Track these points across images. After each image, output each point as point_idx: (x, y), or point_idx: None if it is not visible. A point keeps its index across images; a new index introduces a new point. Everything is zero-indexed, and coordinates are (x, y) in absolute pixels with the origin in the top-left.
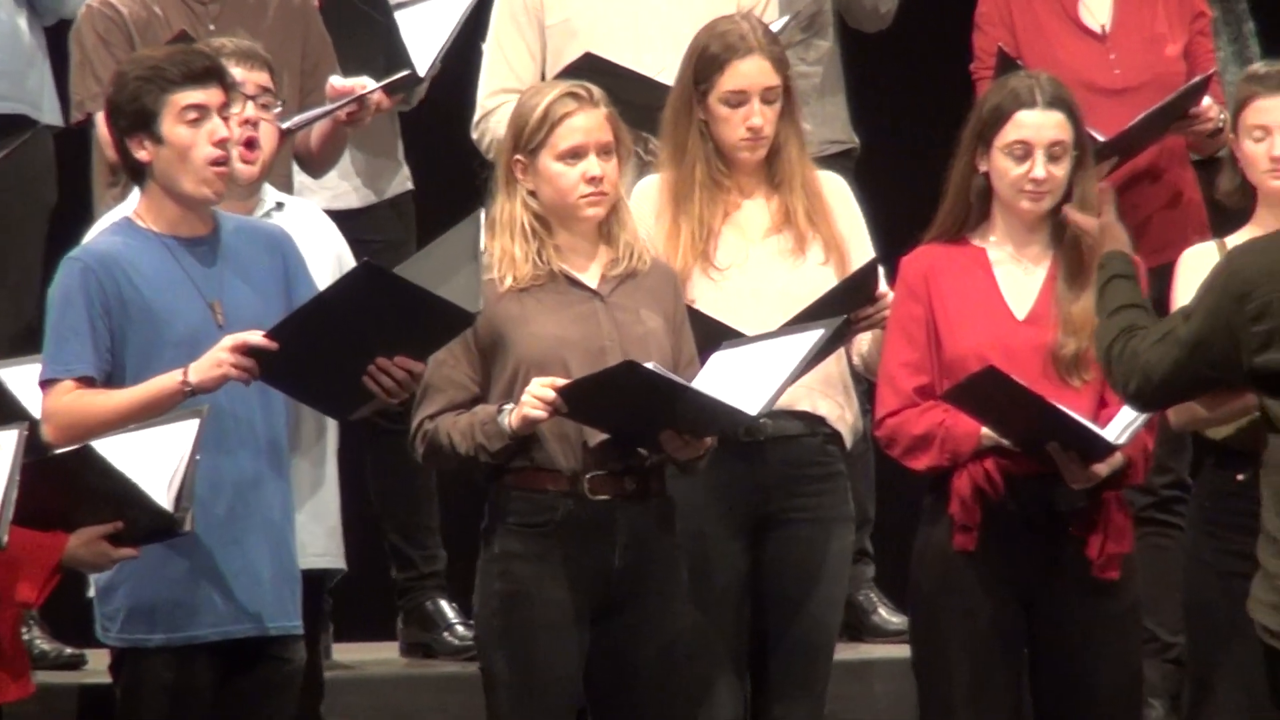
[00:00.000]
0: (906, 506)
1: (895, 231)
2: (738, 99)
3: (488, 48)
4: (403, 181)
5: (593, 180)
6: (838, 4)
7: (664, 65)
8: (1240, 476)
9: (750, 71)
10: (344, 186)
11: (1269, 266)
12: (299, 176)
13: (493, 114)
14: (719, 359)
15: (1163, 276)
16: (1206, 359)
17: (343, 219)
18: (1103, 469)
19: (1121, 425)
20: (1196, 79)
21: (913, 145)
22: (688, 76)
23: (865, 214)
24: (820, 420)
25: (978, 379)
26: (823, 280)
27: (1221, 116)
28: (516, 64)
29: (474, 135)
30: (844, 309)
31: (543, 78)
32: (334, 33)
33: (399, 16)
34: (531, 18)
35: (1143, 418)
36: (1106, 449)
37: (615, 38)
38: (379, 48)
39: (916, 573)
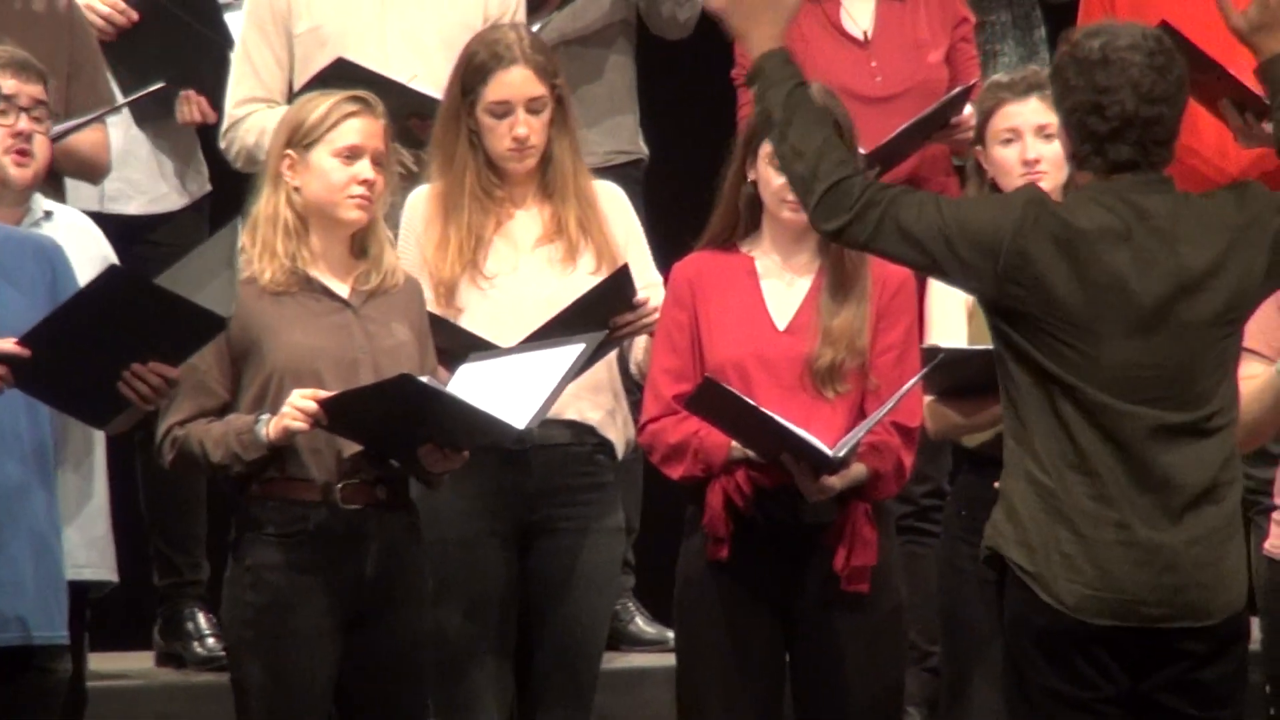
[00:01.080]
0: (670, 516)
1: (685, 241)
2: (502, 109)
3: (235, 57)
4: (203, 184)
5: (364, 183)
6: (640, 11)
7: (413, 73)
8: (996, 484)
9: (514, 81)
10: (161, 189)
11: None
12: (116, 183)
13: (241, 122)
14: (467, 371)
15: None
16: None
17: (149, 223)
18: (835, 482)
19: (848, 438)
20: (959, 88)
21: (701, 154)
22: (456, 87)
23: (655, 224)
24: (589, 429)
25: (702, 389)
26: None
27: None
28: (264, 73)
29: (221, 144)
30: (598, 316)
31: (290, 87)
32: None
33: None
34: (279, 26)
35: (862, 432)
36: (829, 462)
37: (363, 46)
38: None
39: (677, 583)
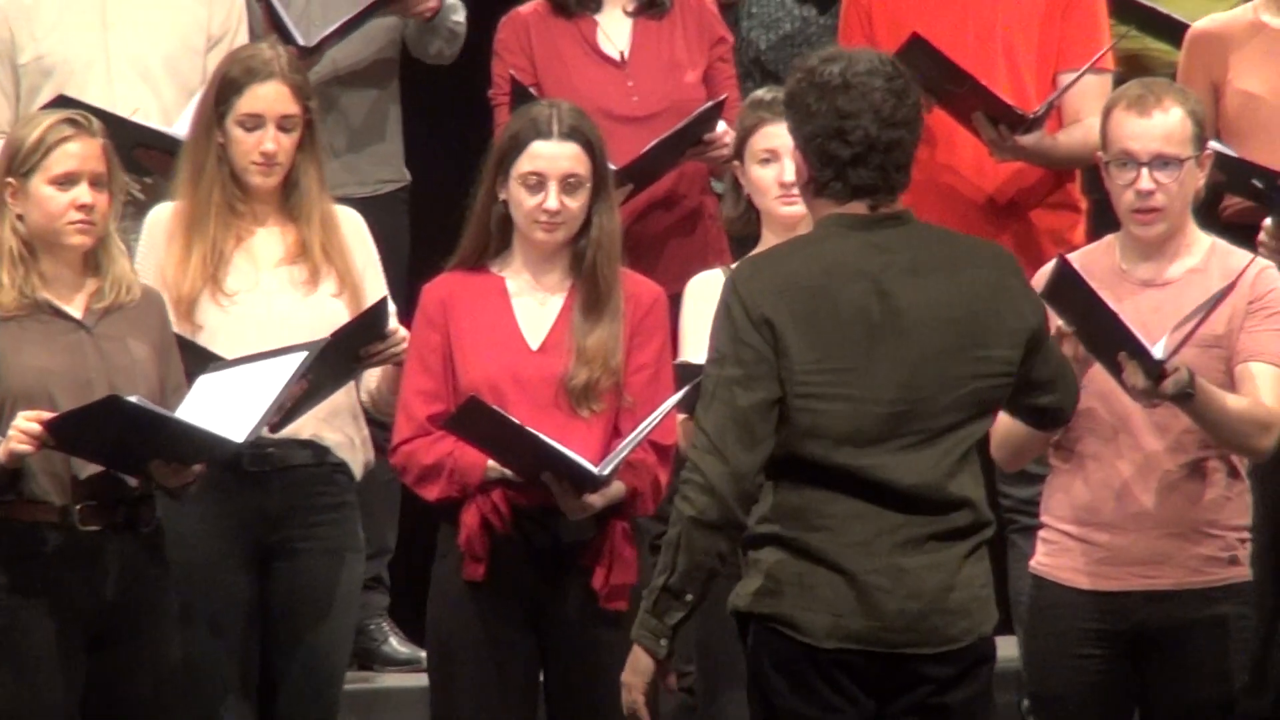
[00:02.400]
0: (426, 535)
1: (438, 263)
2: (253, 122)
3: None
4: None
5: (82, 208)
6: (408, 44)
7: (137, 104)
8: None
9: (268, 96)
10: None
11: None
12: None
13: None
14: (205, 383)
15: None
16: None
17: None
18: (597, 500)
19: (611, 456)
20: (709, 104)
21: (463, 178)
22: (209, 100)
23: (419, 249)
24: (327, 450)
25: (465, 409)
26: (334, 312)
27: None
28: None
29: None
30: (352, 346)
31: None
32: None
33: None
34: (3, 58)
35: (626, 449)
36: (593, 480)
37: (89, 74)
38: None
39: (431, 603)
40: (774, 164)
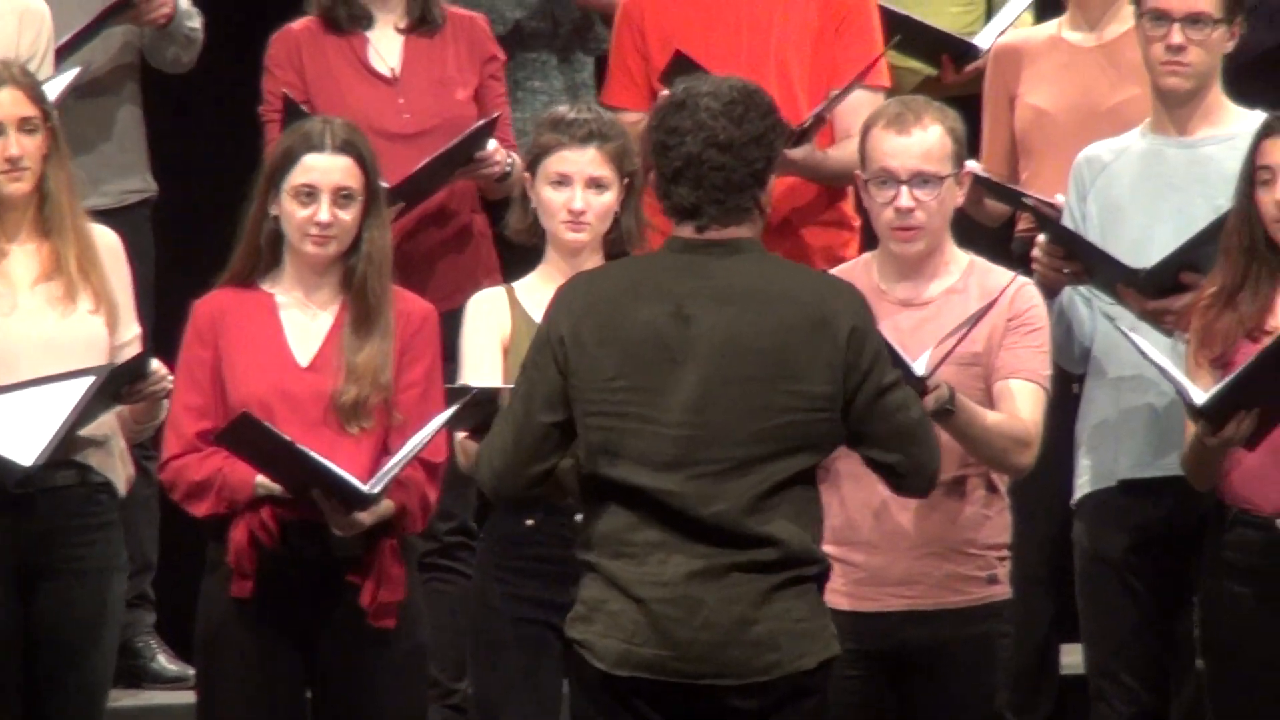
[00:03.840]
0: (192, 551)
1: (197, 278)
2: None
3: None
4: None
5: None
6: (144, 52)
7: None
8: (529, 522)
9: (4, 101)
10: None
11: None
12: None
13: None
14: None
15: (454, 322)
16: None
17: None
18: (366, 517)
19: (381, 474)
20: (481, 122)
21: (214, 190)
22: None
23: (166, 261)
24: (89, 469)
25: (237, 424)
26: (92, 330)
27: (509, 160)
28: None
29: None
30: (116, 384)
31: None
32: None
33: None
34: None
35: (396, 467)
36: (363, 498)
37: None
38: None
39: (199, 619)
40: (566, 189)
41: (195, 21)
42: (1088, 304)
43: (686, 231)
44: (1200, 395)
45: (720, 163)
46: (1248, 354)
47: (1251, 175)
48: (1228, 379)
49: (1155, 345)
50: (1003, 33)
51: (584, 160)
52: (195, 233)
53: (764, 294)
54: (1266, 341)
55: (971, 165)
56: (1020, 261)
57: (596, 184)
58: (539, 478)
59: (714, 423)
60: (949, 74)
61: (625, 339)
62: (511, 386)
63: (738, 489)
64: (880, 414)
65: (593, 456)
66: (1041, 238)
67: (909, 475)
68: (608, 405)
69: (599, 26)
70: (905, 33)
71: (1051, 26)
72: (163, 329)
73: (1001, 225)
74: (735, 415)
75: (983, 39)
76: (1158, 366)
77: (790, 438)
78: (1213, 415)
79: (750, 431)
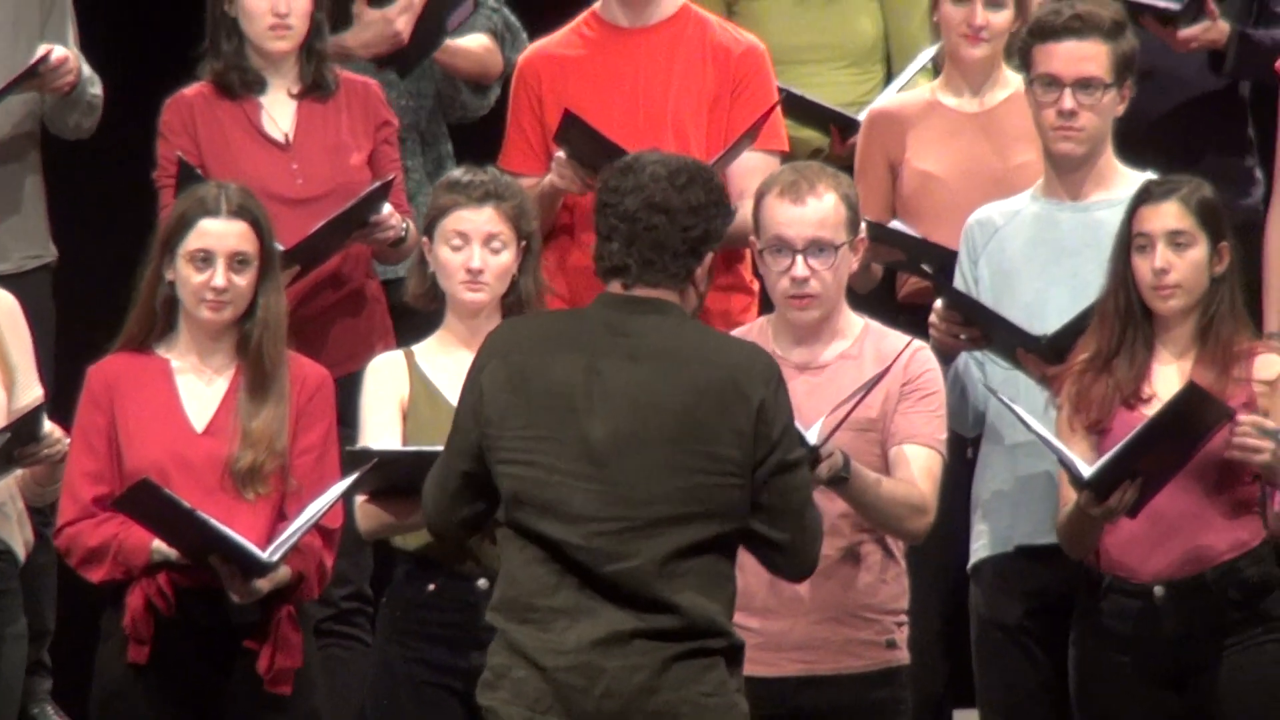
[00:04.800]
0: (89, 617)
1: (97, 342)
2: None
3: None
4: None
5: None
6: (44, 119)
7: None
8: (431, 586)
9: None
10: None
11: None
12: None
13: None
14: None
15: (349, 387)
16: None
17: None
18: (264, 584)
19: (280, 541)
20: (374, 185)
21: (114, 255)
22: None
23: (64, 326)
24: None
25: (135, 490)
26: None
27: (404, 225)
28: None
29: None
30: (8, 448)
31: None
32: None
33: None
34: None
35: (296, 534)
36: (261, 565)
37: None
38: None
39: (96, 686)
40: (463, 248)
41: (96, 88)
42: (981, 368)
43: (615, 288)
44: (1085, 466)
45: (654, 223)
46: (1124, 421)
47: (1128, 240)
48: (1113, 450)
49: (1034, 413)
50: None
51: (481, 219)
52: (95, 297)
53: (677, 354)
54: (1142, 409)
55: (895, 225)
56: (908, 313)
57: (494, 243)
58: (469, 521)
59: (620, 479)
60: (837, 145)
61: (537, 389)
62: (413, 450)
63: (645, 549)
64: (779, 489)
65: (506, 505)
66: (938, 303)
67: (791, 556)
68: (519, 454)
69: (465, 95)
70: (793, 104)
71: (925, 91)
72: (63, 394)
73: (886, 290)
74: (642, 473)
75: (862, 113)
76: (1040, 437)
77: (698, 500)
78: (1099, 486)
79: (656, 491)
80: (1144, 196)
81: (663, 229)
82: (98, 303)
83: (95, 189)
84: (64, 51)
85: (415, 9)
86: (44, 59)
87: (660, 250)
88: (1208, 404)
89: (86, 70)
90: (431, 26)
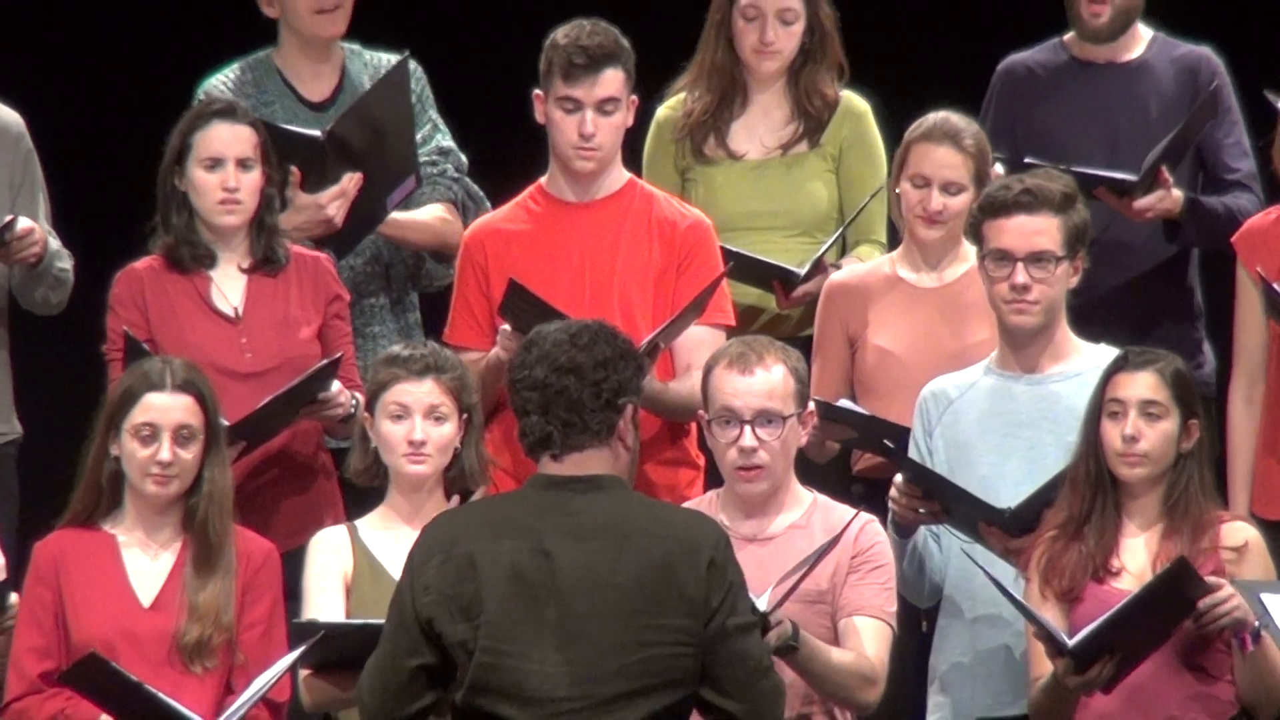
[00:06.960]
0: None
1: (49, 521)
2: None
3: None
4: None
5: None
6: (13, 292)
7: None
8: None
9: None
10: None
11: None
12: None
13: None
14: None
15: (297, 560)
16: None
17: None
18: None
19: (228, 714)
20: (323, 362)
21: (80, 429)
22: None
23: (29, 499)
24: None
25: (82, 664)
26: None
27: (353, 401)
28: None
29: None
30: None
31: None
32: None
33: None
34: None
35: (244, 707)
36: None
37: None
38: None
39: None
40: (405, 421)
41: (66, 262)
42: (937, 541)
43: (548, 467)
44: (1064, 636)
45: (563, 385)
46: (1094, 594)
47: (1100, 407)
48: (1099, 621)
49: (1005, 579)
50: (824, 263)
51: (421, 391)
52: (60, 471)
53: (622, 529)
54: (1111, 583)
55: (847, 404)
56: (862, 502)
57: (435, 414)
58: (415, 715)
59: (577, 660)
60: (781, 300)
61: (487, 577)
62: (360, 623)
63: None
64: (727, 655)
65: (466, 691)
66: (898, 478)
67: None
68: (482, 641)
69: (429, 264)
70: (736, 261)
71: (885, 264)
72: (24, 568)
73: (841, 463)
74: (597, 652)
75: (803, 267)
76: (1020, 606)
77: (653, 673)
78: (1080, 656)
79: (612, 668)
80: (1120, 364)
81: (574, 388)
82: (63, 477)
83: (61, 363)
84: (29, 222)
85: (350, 195)
86: (9, 226)
87: (577, 410)
88: (1195, 581)
89: (55, 244)
90: (370, 207)
